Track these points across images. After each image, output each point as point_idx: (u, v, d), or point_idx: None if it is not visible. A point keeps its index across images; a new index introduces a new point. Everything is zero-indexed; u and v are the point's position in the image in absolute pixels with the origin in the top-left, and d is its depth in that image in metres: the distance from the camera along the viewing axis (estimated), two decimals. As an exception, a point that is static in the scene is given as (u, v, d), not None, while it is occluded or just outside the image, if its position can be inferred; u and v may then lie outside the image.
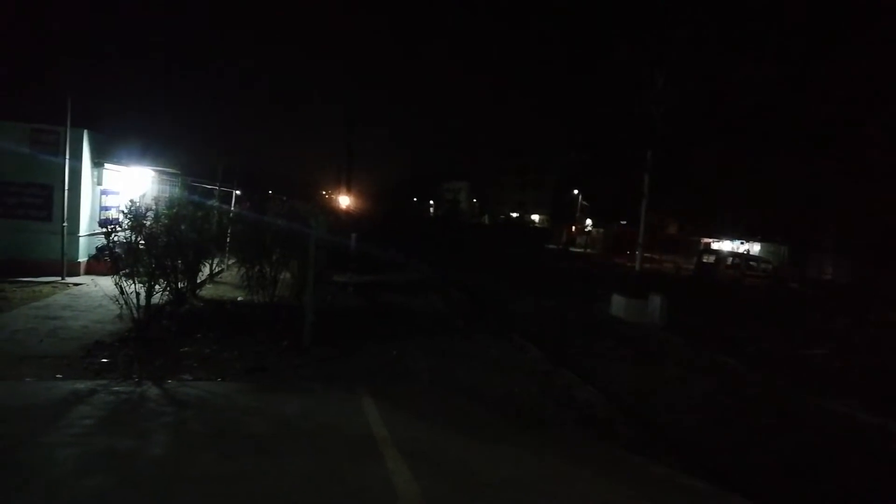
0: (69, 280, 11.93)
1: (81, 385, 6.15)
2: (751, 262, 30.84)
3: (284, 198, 19.72)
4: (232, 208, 15.83)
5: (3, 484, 4.15)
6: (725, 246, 42.26)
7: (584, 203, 63.92)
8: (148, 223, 8.94)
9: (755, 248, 41.12)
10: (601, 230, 59.66)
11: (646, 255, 19.75)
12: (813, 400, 8.85)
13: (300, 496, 4.30)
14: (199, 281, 11.86)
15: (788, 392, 9.26)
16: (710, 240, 45.28)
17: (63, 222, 12.04)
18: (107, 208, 13.38)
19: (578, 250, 54.99)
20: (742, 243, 41.90)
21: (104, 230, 8.55)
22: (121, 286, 8.25)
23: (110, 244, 8.50)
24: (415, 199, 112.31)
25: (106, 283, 9.30)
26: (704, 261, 34.58)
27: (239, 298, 11.53)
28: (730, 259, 31.32)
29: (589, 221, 64.10)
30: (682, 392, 8.84)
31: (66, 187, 12.07)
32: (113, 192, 13.79)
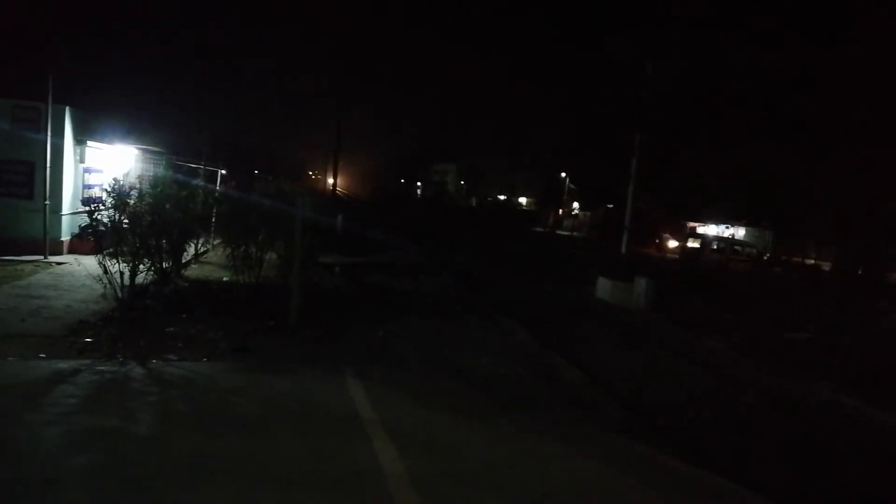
0: (52, 259, 11.79)
1: (65, 364, 6.11)
2: (735, 247, 31.10)
3: (271, 178, 19.62)
4: (217, 187, 15.70)
5: (-15, 463, 4.12)
6: (711, 230, 42.56)
7: (572, 186, 63.96)
8: (132, 202, 8.85)
9: (740, 232, 41.44)
10: (588, 213, 59.80)
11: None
12: (796, 383, 8.97)
13: (287, 476, 4.31)
14: (184, 261, 11.75)
15: (772, 375, 9.38)
16: (696, 224, 45.54)
17: (45, 200, 11.88)
18: (90, 186, 13.21)
19: (565, 233, 55.15)
20: (727, 227, 42.19)
21: (87, 209, 8.46)
22: (105, 265, 8.18)
23: (94, 223, 8.41)
24: (402, 181, 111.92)
25: (89, 263, 9.22)
26: (689, 245, 34.84)
27: (224, 279, 11.46)
28: (715, 243, 31.56)
29: (576, 205, 64.20)
30: (667, 374, 8.93)
31: (48, 164, 11.89)
32: (96, 171, 13.61)
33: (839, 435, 7.26)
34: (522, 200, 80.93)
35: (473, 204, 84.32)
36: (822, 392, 8.57)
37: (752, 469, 5.66)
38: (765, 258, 32.42)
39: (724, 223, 42.68)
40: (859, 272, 21.42)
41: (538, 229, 56.64)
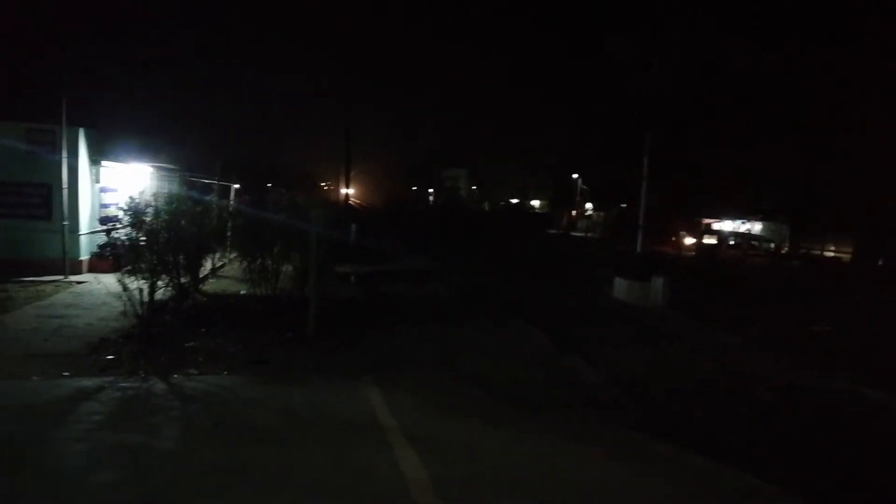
0: (72, 278, 11.94)
1: (88, 382, 6.19)
2: (752, 242, 30.83)
3: (284, 190, 19.71)
4: (231, 202, 15.83)
5: (15, 480, 4.19)
6: (727, 226, 42.22)
7: (584, 187, 63.78)
8: (148, 219, 8.95)
9: (756, 227, 41.06)
10: (602, 214, 59.57)
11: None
12: (817, 377, 8.86)
13: (309, 485, 4.33)
14: (201, 276, 11.87)
15: (793, 370, 9.28)
16: (711, 220, 45.19)
17: (63, 221, 12.05)
18: (106, 206, 13.38)
19: (579, 234, 54.95)
20: (743, 222, 41.84)
21: (105, 228, 8.57)
22: (123, 283, 8.26)
23: (111, 241, 8.52)
24: (414, 188, 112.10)
25: (109, 281, 9.32)
26: (705, 241, 34.56)
27: (242, 292, 11.55)
28: (731, 239, 31.31)
29: (589, 205, 63.97)
30: (687, 372, 8.86)
31: (65, 186, 12.06)
32: (111, 190, 13.78)
33: (864, 428, 7.16)
34: (535, 203, 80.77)
35: (486, 208, 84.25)
36: (845, 385, 8.46)
37: (777, 465, 5.60)
38: (782, 252, 32.10)
39: (740, 218, 42.32)
40: (879, 263, 21.18)
41: (552, 231, 56.45)
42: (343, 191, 25.42)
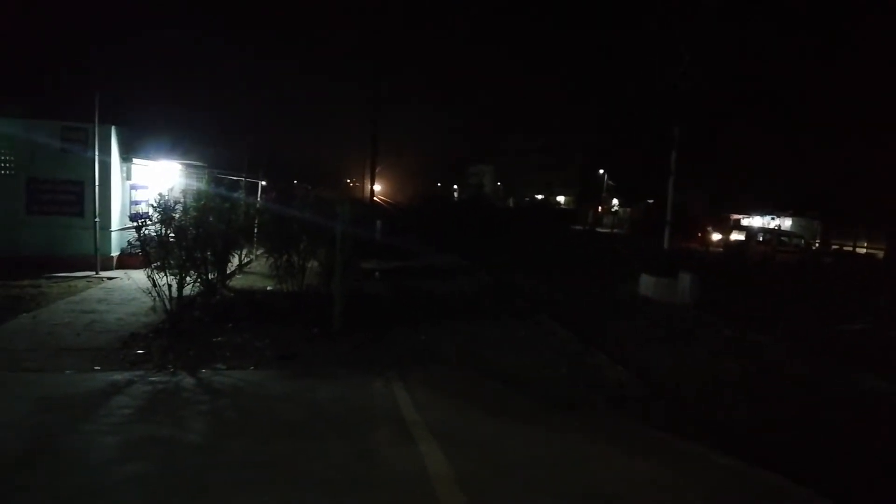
0: (103, 274, 12.17)
1: (119, 376, 6.30)
2: (782, 238, 30.27)
3: (310, 187, 19.87)
4: (258, 198, 15.99)
5: (49, 470, 4.29)
6: (756, 222, 41.52)
7: (611, 183, 63.23)
8: (177, 216, 9.08)
9: (786, 222, 40.34)
10: (628, 210, 59.04)
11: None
12: (847, 376, 8.69)
13: (335, 479, 4.37)
14: (228, 272, 12.01)
15: (823, 369, 9.11)
16: (740, 216, 44.49)
17: (95, 217, 12.27)
18: (136, 202, 13.60)
19: (605, 230, 54.52)
20: (773, 218, 41.12)
21: (135, 224, 8.71)
22: (153, 279, 8.40)
23: (141, 238, 8.66)
24: (439, 185, 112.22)
25: (139, 277, 9.48)
26: (734, 238, 34.01)
27: (268, 288, 11.67)
28: (760, 235, 30.78)
29: (615, 201, 63.41)
30: (714, 371, 8.75)
31: (97, 183, 12.28)
32: (142, 187, 14.01)
33: (891, 428, 7.01)
34: (560, 199, 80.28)
35: (511, 205, 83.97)
36: (876, 385, 8.29)
37: (807, 466, 5.51)
38: (813, 248, 31.47)
39: (769, 214, 41.60)
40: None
41: (577, 227, 56.11)
42: (369, 187, 25.51)
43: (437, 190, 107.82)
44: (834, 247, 33.52)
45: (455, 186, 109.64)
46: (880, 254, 31.16)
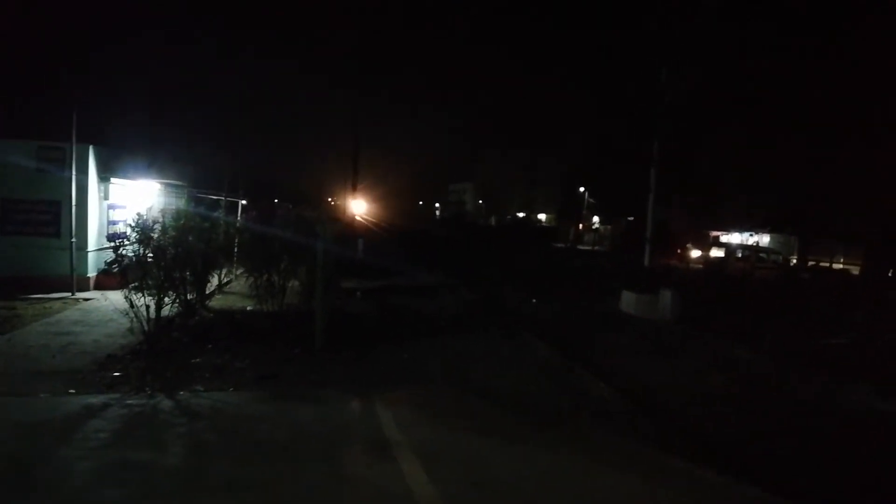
0: (79, 295, 11.97)
1: (95, 399, 6.17)
2: (760, 254, 30.65)
3: (291, 205, 19.76)
4: (239, 217, 15.87)
5: (21, 497, 4.16)
6: (734, 238, 42.00)
7: (591, 200, 63.72)
8: (155, 236, 8.97)
9: (764, 239, 40.85)
10: (608, 227, 59.46)
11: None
12: (831, 390, 8.76)
13: (316, 502, 4.29)
14: (208, 292, 11.88)
15: (804, 383, 9.17)
16: (719, 233, 44.98)
17: (71, 238, 12.10)
18: (114, 222, 13.43)
19: (586, 248, 54.82)
20: (751, 235, 41.62)
21: (112, 244, 8.58)
22: (130, 300, 8.27)
23: (119, 258, 8.53)
24: (420, 203, 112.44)
25: (116, 298, 9.33)
26: (713, 254, 34.37)
27: (248, 308, 11.55)
28: (739, 252, 31.15)
29: (596, 218, 63.88)
30: (697, 386, 8.77)
31: (74, 203, 12.13)
32: (120, 206, 13.85)
33: (881, 440, 7.06)
34: (542, 216, 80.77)
35: (493, 222, 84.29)
36: (860, 398, 8.36)
37: (791, 479, 5.52)
38: (791, 264, 31.91)
39: (747, 231, 42.09)
40: (889, 274, 21.00)
41: (559, 245, 56.37)
42: (350, 206, 25.46)
43: (418, 207, 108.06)
44: (811, 263, 33.99)
45: (437, 204, 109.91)
46: (855, 269, 31.63)
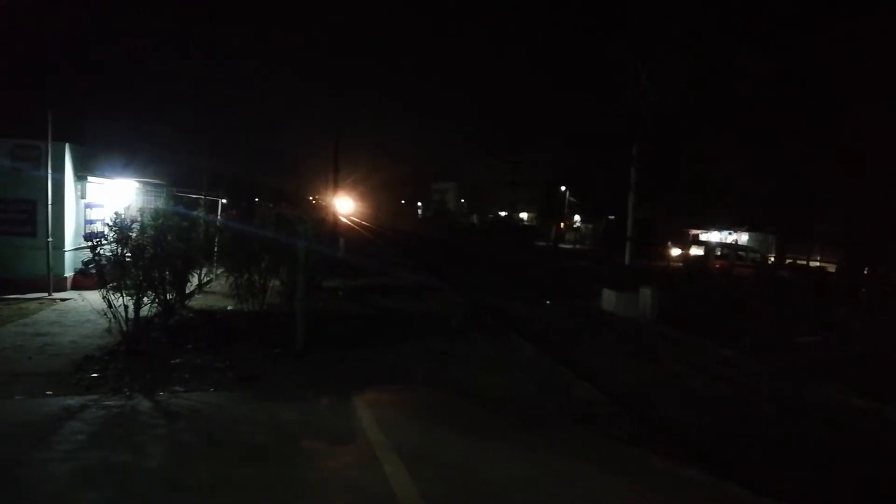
0: (56, 296, 11.79)
1: (72, 401, 6.07)
2: (739, 253, 30.99)
3: (272, 205, 19.64)
4: (219, 217, 15.74)
5: (-5, 503, 4.09)
6: (713, 237, 42.41)
7: (573, 199, 64.00)
8: (134, 235, 8.84)
9: (743, 237, 41.30)
10: (590, 226, 59.79)
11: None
12: (809, 388, 8.88)
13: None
14: (187, 292, 11.76)
15: (784, 380, 9.29)
16: (698, 231, 45.39)
17: (48, 237, 11.90)
18: (91, 222, 13.25)
19: (568, 247, 55.10)
20: (730, 233, 42.06)
21: (90, 244, 8.46)
22: (108, 300, 8.15)
23: (96, 258, 8.41)
24: (402, 202, 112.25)
25: (93, 298, 9.20)
26: (693, 253, 34.70)
27: (229, 308, 11.45)
28: (718, 250, 31.48)
29: (577, 217, 64.21)
30: (678, 384, 8.86)
31: (50, 202, 11.93)
32: (97, 206, 13.66)
33: (855, 437, 7.17)
34: (524, 216, 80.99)
35: (475, 221, 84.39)
36: (834, 395, 8.49)
37: (773, 476, 5.58)
38: (769, 262, 32.31)
39: (726, 229, 42.54)
40: (864, 272, 21.34)
41: (541, 244, 56.60)
42: (331, 205, 25.35)
43: (400, 206, 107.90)
44: (788, 261, 34.43)
45: (419, 203, 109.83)
46: (831, 267, 32.09)
